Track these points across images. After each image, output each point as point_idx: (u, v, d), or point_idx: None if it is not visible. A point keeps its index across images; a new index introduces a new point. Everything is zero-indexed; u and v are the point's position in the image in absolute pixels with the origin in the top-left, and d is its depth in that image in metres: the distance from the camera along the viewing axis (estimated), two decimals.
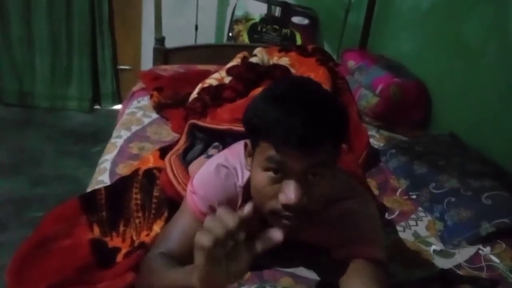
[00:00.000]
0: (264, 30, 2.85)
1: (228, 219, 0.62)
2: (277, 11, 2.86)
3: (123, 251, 1.01)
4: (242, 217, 0.63)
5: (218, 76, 1.81)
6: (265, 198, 0.81)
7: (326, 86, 1.74)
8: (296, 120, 0.73)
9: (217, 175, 0.95)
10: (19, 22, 2.76)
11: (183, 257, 0.90)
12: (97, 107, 3.08)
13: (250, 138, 0.84)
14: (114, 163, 1.44)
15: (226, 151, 1.03)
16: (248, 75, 1.73)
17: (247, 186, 0.94)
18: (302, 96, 0.78)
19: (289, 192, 0.77)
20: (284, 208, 0.79)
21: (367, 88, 2.10)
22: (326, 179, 0.80)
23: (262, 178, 0.80)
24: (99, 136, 2.61)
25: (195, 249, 0.65)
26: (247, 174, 0.94)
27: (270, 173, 0.78)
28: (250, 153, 0.85)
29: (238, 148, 1.00)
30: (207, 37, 2.90)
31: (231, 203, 0.95)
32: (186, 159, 1.21)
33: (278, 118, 0.75)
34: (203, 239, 0.62)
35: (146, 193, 1.13)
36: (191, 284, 0.73)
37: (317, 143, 0.75)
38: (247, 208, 0.65)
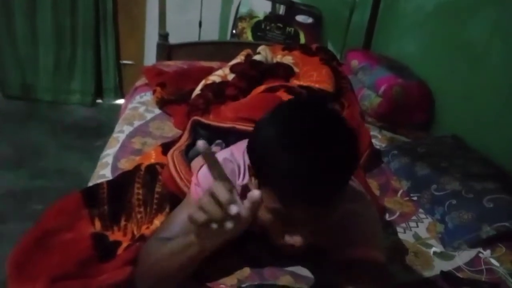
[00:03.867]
0: (268, 28, 2.84)
1: (222, 198, 0.68)
2: (282, 9, 2.86)
3: (124, 244, 1.01)
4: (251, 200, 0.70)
5: (222, 73, 1.81)
6: (271, 232, 0.82)
7: (329, 85, 1.74)
8: (307, 177, 0.69)
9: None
10: (23, 15, 2.77)
11: None
12: (99, 101, 3.09)
13: (256, 174, 0.79)
14: (116, 157, 1.44)
15: (232, 147, 1.04)
16: (252, 73, 1.73)
17: (246, 187, 0.94)
18: (317, 148, 0.70)
19: (296, 236, 0.77)
20: (290, 246, 0.80)
21: (370, 89, 2.09)
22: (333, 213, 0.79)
23: (267, 217, 0.79)
24: (101, 130, 2.62)
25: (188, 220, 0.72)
26: (248, 175, 0.94)
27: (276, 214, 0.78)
28: (255, 177, 0.81)
29: (244, 145, 1.00)
30: (211, 33, 2.89)
31: None
32: (188, 156, 1.21)
33: (288, 172, 0.70)
34: (197, 216, 0.70)
35: (148, 189, 1.13)
36: (190, 241, 0.79)
37: (327, 200, 0.74)
38: (256, 194, 0.69)
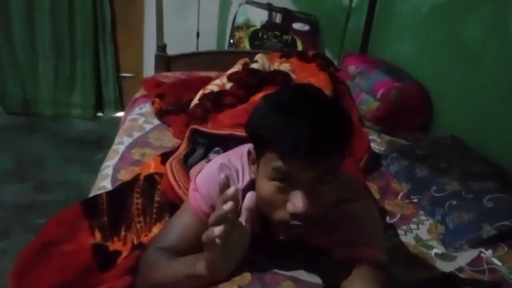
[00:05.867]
0: (265, 36, 2.86)
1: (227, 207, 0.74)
2: (278, 18, 2.88)
3: (124, 254, 1.01)
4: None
5: (219, 82, 1.82)
6: (273, 208, 0.82)
7: (327, 91, 1.75)
8: (302, 131, 0.74)
9: (220, 174, 0.95)
10: (22, 30, 2.79)
11: (182, 253, 0.92)
12: (100, 114, 3.11)
13: (254, 147, 0.84)
14: (116, 169, 1.44)
15: (229, 152, 1.04)
16: (249, 81, 1.73)
17: (246, 189, 0.94)
18: (308, 105, 0.77)
19: (297, 202, 0.77)
20: (292, 217, 0.80)
21: (368, 93, 2.10)
22: (332, 186, 0.81)
23: (269, 188, 0.80)
24: (102, 143, 2.63)
25: (207, 242, 0.75)
26: (247, 177, 0.95)
27: (277, 183, 0.79)
28: (254, 161, 0.86)
29: (241, 150, 1.00)
30: (209, 43, 2.92)
31: None
32: (187, 164, 1.22)
33: (284, 129, 0.75)
34: (216, 230, 0.73)
35: (147, 198, 1.13)
36: (197, 273, 0.81)
37: (324, 153, 0.76)
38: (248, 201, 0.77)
